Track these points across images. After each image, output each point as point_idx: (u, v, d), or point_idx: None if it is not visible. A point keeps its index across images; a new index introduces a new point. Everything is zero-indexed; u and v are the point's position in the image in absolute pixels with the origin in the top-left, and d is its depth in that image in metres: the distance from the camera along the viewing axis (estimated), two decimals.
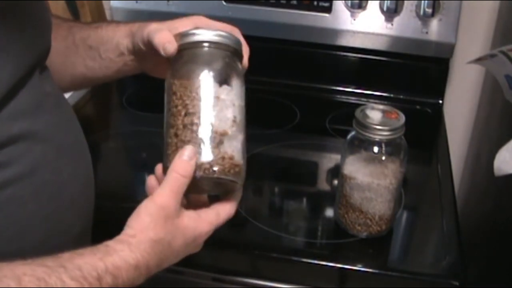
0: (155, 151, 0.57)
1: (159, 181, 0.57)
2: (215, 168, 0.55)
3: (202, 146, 0.55)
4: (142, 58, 0.67)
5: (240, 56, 0.61)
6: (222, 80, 0.57)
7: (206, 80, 0.56)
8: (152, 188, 0.57)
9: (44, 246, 0.55)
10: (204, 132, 0.55)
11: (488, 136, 1.07)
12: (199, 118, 0.55)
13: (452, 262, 0.74)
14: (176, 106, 0.57)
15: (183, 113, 0.56)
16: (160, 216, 0.53)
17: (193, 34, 0.59)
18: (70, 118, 0.63)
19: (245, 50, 0.63)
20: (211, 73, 0.57)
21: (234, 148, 0.56)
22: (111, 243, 0.51)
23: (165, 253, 0.54)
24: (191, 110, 0.56)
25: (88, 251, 0.49)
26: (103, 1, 1.22)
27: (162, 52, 0.59)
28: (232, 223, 0.83)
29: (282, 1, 1.12)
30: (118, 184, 0.90)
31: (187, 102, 0.56)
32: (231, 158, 0.56)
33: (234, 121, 0.56)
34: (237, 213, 0.82)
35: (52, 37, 0.62)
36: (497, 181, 0.72)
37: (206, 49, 0.58)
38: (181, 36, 0.59)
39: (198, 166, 0.55)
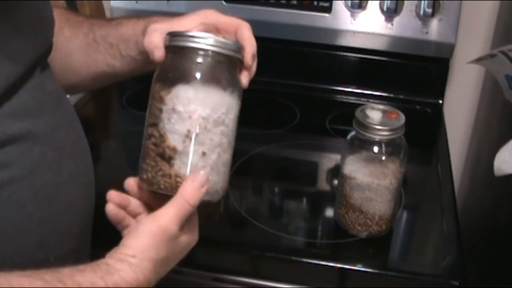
0: None
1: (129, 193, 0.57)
2: (162, 186, 0.54)
3: (154, 159, 0.54)
4: None
5: (233, 61, 0.56)
6: (188, 89, 0.53)
7: (166, 89, 0.54)
8: (132, 187, 0.57)
9: (42, 248, 0.55)
10: (157, 146, 0.54)
11: (488, 136, 1.07)
12: (157, 130, 0.54)
13: (452, 262, 0.74)
14: (148, 112, 0.56)
15: (149, 121, 0.56)
16: (163, 238, 0.52)
17: (178, 37, 0.55)
18: (71, 118, 0.62)
19: (250, 49, 0.59)
20: (174, 83, 0.54)
21: (184, 165, 0.53)
22: (111, 261, 0.50)
23: (165, 268, 0.54)
24: (152, 121, 0.55)
25: (89, 268, 0.48)
26: (103, 1, 1.22)
27: (151, 57, 0.58)
28: (232, 223, 0.83)
29: (282, 1, 1.12)
30: (118, 184, 0.89)
31: (153, 111, 0.55)
32: (178, 176, 0.53)
33: (187, 136, 0.53)
34: (237, 213, 0.83)
35: (73, 34, 0.62)
36: (497, 181, 0.72)
37: (190, 55, 0.54)
38: (169, 38, 0.56)
39: (149, 179, 0.54)
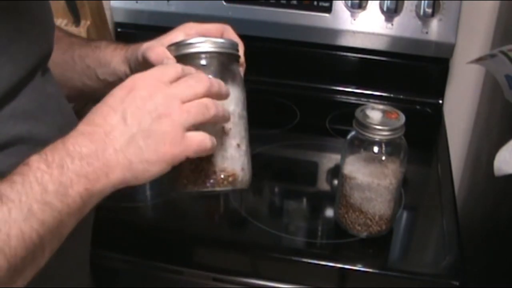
0: None
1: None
2: (207, 183, 0.56)
3: (192, 162, 0.55)
4: None
5: (236, 58, 0.60)
6: None
7: None
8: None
9: None
10: None
11: (488, 136, 1.07)
12: None
13: (452, 262, 0.74)
14: None
15: None
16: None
17: (184, 46, 0.58)
18: (71, 120, 0.62)
19: (241, 46, 0.62)
20: None
21: (225, 159, 0.56)
22: None
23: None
24: None
25: None
26: (103, 1, 1.22)
27: None
28: (232, 223, 0.83)
29: (282, 1, 1.12)
30: None
31: None
32: (223, 170, 0.56)
33: (222, 132, 0.56)
34: (237, 213, 0.83)
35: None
36: (497, 181, 0.72)
37: (197, 61, 0.57)
38: (174, 48, 0.58)
39: (192, 181, 0.56)
